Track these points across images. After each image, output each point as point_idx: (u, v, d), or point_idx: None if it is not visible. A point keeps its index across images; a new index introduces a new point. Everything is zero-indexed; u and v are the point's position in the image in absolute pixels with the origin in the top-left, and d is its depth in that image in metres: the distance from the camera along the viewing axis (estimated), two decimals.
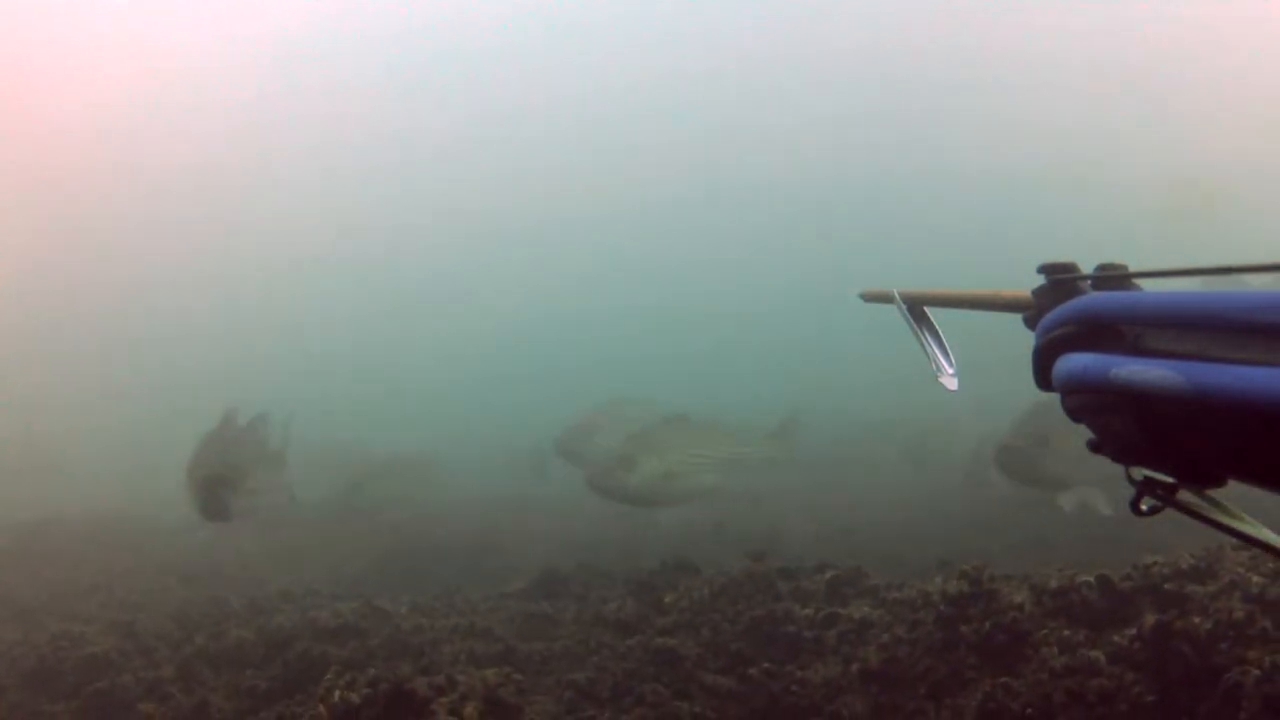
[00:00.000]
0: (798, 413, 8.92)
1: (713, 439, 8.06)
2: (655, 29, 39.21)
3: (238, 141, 35.57)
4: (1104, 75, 31.52)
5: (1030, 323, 1.42)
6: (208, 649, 5.38)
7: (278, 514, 8.07)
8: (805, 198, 35.38)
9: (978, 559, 4.43)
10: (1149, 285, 1.31)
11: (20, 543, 10.26)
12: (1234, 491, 1.16)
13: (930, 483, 10.67)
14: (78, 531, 11.20)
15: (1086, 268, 1.38)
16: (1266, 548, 1.17)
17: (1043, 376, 1.32)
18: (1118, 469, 1.26)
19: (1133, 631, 3.57)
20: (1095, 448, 1.27)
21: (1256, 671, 3.09)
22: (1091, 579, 4.06)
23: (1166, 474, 1.21)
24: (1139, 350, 1.17)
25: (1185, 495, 1.22)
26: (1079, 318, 1.25)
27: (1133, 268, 1.34)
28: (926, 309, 1.77)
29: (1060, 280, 1.38)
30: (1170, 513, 1.26)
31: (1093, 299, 1.25)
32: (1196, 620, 3.45)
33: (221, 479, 6.50)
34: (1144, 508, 1.27)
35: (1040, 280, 1.41)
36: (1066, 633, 3.77)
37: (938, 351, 1.73)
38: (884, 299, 1.85)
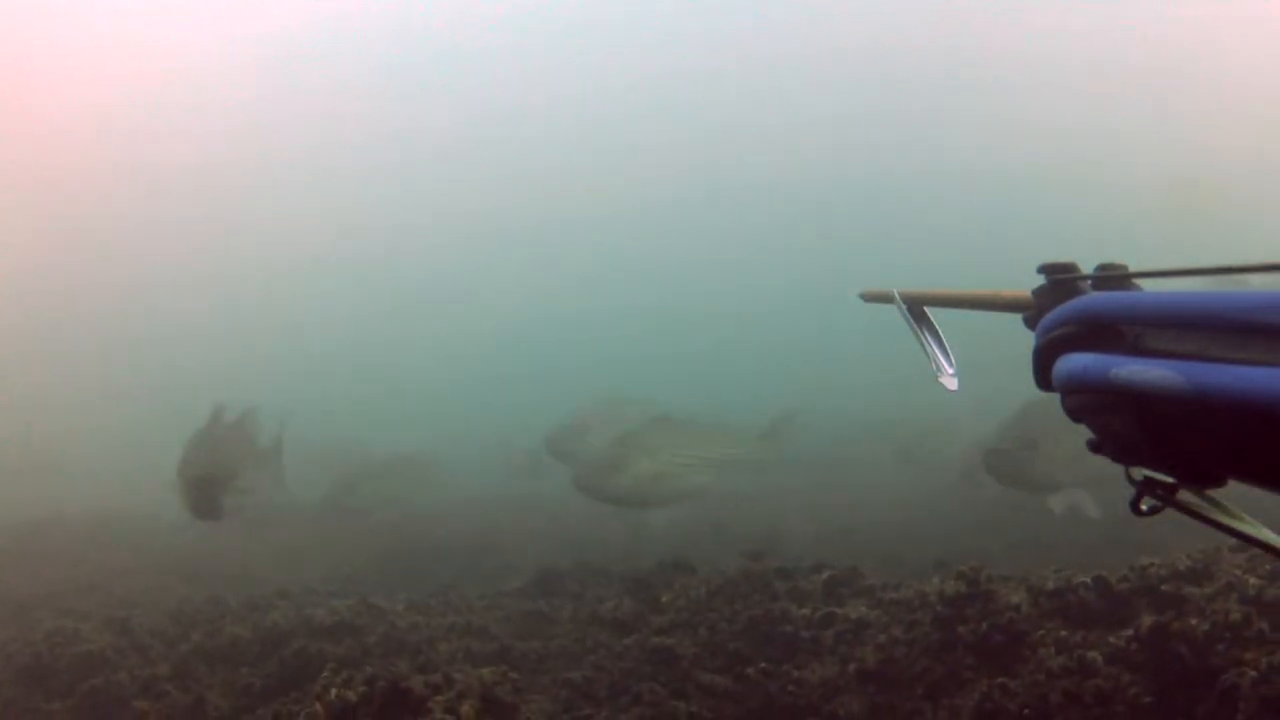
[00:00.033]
0: (793, 413, 8.83)
1: (702, 439, 8.00)
2: (655, 29, 39.18)
3: (238, 141, 35.52)
4: (1104, 75, 31.51)
5: (1030, 323, 1.42)
6: (204, 646, 5.37)
7: (269, 511, 8.03)
8: (805, 198, 35.36)
9: (975, 559, 4.43)
10: (1149, 285, 1.31)
11: (20, 542, 10.26)
12: (1234, 491, 1.16)
13: (929, 483, 10.67)
14: (77, 531, 11.20)
15: (1086, 268, 1.38)
16: (1266, 548, 1.17)
17: (1043, 376, 1.32)
18: (1106, 471, 1.26)
19: (1130, 632, 3.57)
20: (1095, 448, 1.27)
21: (1253, 673, 3.09)
22: (1089, 580, 4.06)
23: (1166, 474, 1.21)
24: (1139, 350, 1.16)
25: (1185, 495, 1.22)
26: (1079, 318, 1.25)
27: (1133, 268, 1.34)
28: (926, 309, 1.77)
29: (1060, 280, 1.38)
30: (1168, 513, 1.26)
31: (1093, 299, 1.25)
32: (1193, 622, 3.46)
33: (211, 477, 6.45)
34: (1144, 508, 1.27)
35: (1040, 280, 1.41)
36: (1064, 633, 3.78)
37: (938, 351, 1.73)
38: (884, 299, 1.85)
